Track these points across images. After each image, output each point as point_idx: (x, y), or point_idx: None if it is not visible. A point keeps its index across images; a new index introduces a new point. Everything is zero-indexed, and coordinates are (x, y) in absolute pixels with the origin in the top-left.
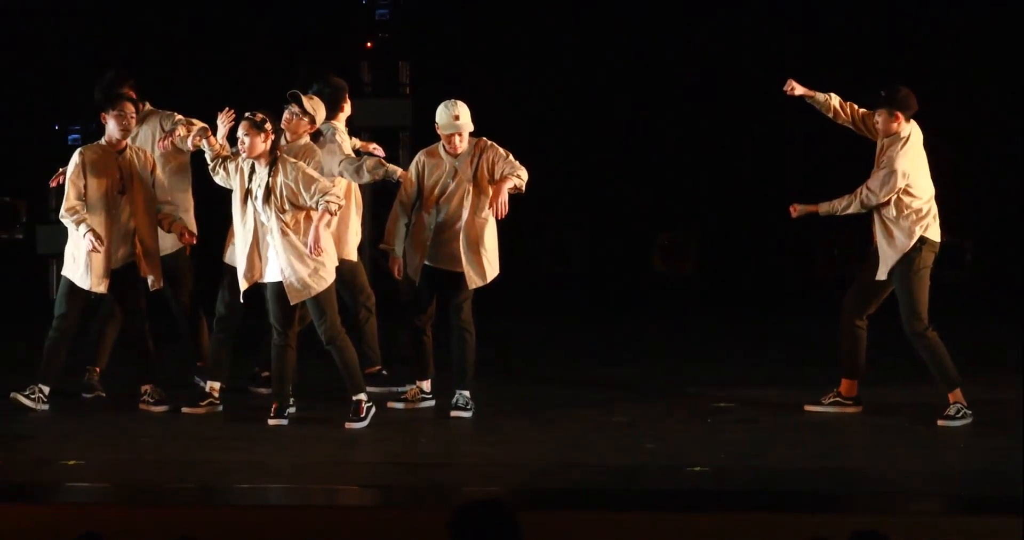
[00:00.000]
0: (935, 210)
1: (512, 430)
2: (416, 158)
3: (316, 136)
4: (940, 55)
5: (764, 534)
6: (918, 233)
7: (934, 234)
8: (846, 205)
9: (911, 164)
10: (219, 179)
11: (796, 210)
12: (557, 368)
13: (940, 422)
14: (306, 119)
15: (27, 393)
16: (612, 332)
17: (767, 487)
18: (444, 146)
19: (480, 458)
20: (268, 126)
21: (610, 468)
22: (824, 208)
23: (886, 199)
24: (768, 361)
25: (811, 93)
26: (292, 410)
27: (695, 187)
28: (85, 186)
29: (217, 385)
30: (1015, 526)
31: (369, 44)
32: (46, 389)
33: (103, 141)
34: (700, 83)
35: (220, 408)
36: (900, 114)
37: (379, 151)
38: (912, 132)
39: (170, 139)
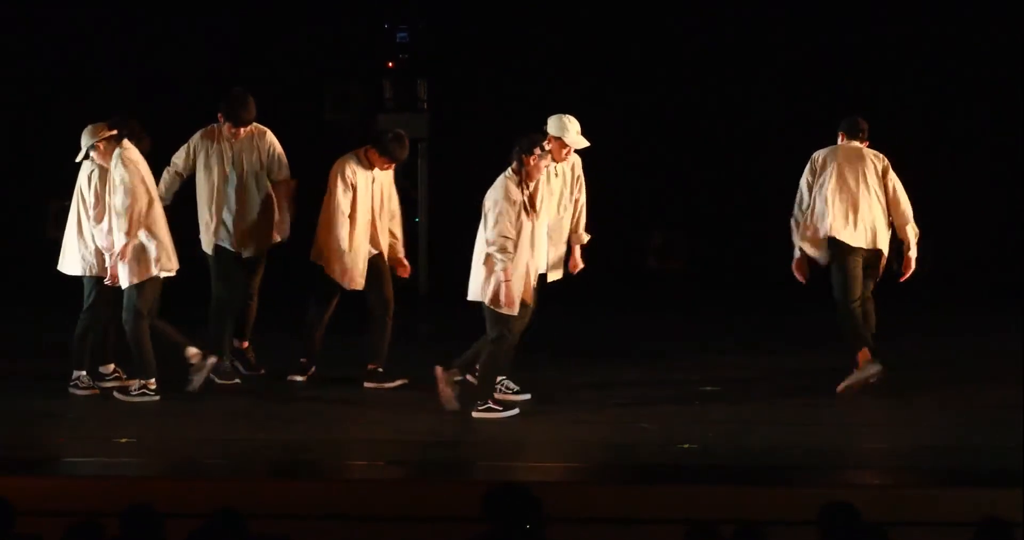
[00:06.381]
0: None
1: (518, 412)
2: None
3: None
4: (928, 51)
5: (747, 505)
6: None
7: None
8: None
9: None
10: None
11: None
12: (561, 357)
13: (840, 387)
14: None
15: (73, 384)
16: (611, 325)
17: (750, 462)
18: (551, 156)
19: (492, 436)
20: None
21: (609, 445)
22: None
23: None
24: (754, 350)
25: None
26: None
27: (690, 186)
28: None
29: (194, 350)
30: (982, 499)
31: (391, 64)
32: (82, 373)
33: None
34: (698, 83)
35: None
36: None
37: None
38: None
39: None
